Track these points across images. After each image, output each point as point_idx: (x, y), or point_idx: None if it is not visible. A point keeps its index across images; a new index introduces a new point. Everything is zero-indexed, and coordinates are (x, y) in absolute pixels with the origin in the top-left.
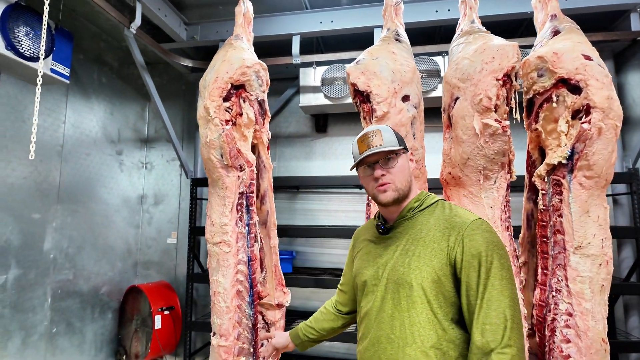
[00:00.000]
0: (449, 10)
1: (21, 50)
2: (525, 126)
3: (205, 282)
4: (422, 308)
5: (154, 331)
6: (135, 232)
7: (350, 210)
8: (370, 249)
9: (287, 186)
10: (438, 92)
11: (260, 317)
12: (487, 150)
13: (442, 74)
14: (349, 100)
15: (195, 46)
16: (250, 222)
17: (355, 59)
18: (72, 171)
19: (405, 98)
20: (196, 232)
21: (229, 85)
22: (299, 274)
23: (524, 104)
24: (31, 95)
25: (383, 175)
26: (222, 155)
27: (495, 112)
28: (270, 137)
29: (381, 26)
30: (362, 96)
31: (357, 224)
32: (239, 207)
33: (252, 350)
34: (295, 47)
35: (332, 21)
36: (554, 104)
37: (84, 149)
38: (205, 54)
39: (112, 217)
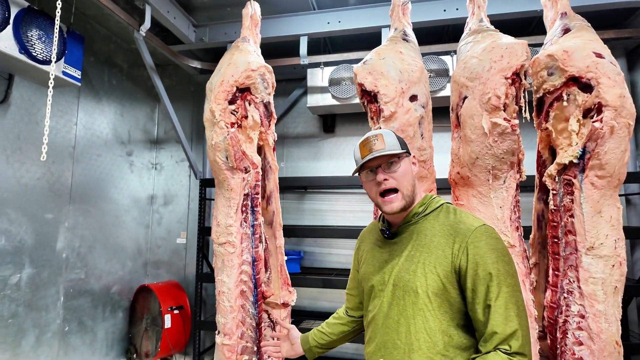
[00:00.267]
0: (457, 9)
1: (34, 54)
2: (535, 125)
3: (214, 282)
4: (428, 315)
5: (163, 330)
6: (145, 232)
7: (357, 210)
8: (375, 254)
9: (295, 186)
10: (446, 92)
11: (266, 316)
12: (496, 149)
13: (451, 73)
14: (357, 100)
15: (203, 48)
16: (255, 223)
17: (362, 59)
18: (84, 172)
19: (413, 98)
20: (205, 232)
21: (235, 89)
22: (306, 274)
23: (534, 103)
24: (44, 97)
25: (386, 179)
26: (227, 158)
27: (504, 111)
28: (276, 139)
29: (389, 26)
30: (370, 96)
31: (364, 224)
32: (244, 209)
33: (255, 349)
34: (303, 48)
35: (339, 21)
36: (565, 103)
37: (95, 150)
38: (214, 55)
39: (123, 217)
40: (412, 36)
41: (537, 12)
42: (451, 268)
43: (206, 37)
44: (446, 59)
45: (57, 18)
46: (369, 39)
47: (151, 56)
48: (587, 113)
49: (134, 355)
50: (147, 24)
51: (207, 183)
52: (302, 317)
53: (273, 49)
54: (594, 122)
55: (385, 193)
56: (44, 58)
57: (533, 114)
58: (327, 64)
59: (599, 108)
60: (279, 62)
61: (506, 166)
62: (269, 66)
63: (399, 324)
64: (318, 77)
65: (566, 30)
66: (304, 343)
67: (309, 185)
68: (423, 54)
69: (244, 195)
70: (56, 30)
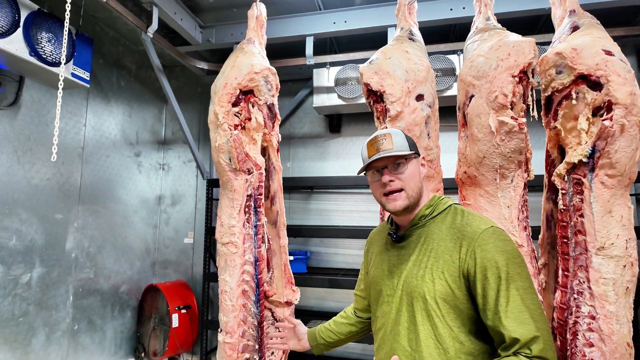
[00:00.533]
0: (463, 8)
1: (44, 56)
2: (543, 124)
3: None
4: (437, 321)
5: (171, 329)
6: (153, 232)
7: (364, 210)
8: (384, 257)
9: (301, 186)
10: (453, 91)
11: (269, 314)
12: (503, 148)
13: (457, 73)
14: (363, 100)
15: (210, 49)
16: (257, 223)
17: (368, 58)
18: (93, 172)
19: (419, 97)
20: (212, 232)
21: (238, 91)
22: (313, 274)
23: (542, 102)
24: (54, 99)
25: (391, 181)
26: (230, 160)
27: (512, 109)
28: (280, 140)
29: (395, 25)
30: (376, 96)
31: (371, 224)
32: (246, 209)
33: (257, 347)
34: (309, 48)
35: (345, 21)
36: (574, 101)
37: (104, 151)
38: (221, 56)
39: (131, 218)
40: (418, 35)
41: (545, 10)
42: (459, 273)
43: (213, 38)
44: (453, 58)
45: (67, 21)
46: (375, 39)
47: (159, 57)
48: (596, 111)
49: (142, 354)
50: (155, 25)
51: (213, 183)
52: (308, 317)
53: (279, 50)
54: (603, 120)
55: (389, 192)
56: (54, 60)
57: (541, 113)
58: (333, 64)
59: (608, 106)
60: (285, 63)
61: (514, 165)
62: (272, 68)
63: (408, 331)
64: (324, 77)
65: (575, 28)
66: (311, 339)
67: (315, 185)
68: (429, 53)
69: (247, 196)
70: (65, 33)
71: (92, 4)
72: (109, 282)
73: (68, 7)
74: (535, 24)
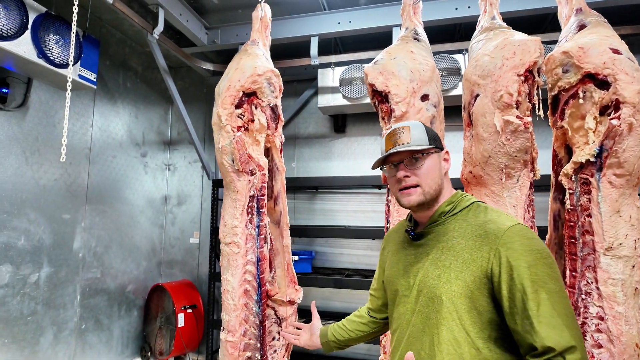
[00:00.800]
0: (469, 7)
1: (51, 58)
2: (550, 123)
3: None
4: (453, 325)
5: (177, 329)
6: (159, 232)
7: (369, 210)
8: (400, 256)
9: (306, 186)
10: (458, 91)
11: (271, 313)
12: (508, 147)
13: (463, 72)
14: (368, 100)
15: (215, 50)
16: (260, 224)
17: (373, 59)
18: (100, 173)
19: (425, 97)
20: (218, 232)
21: (241, 93)
22: (318, 274)
23: (549, 101)
24: (61, 100)
25: (407, 176)
26: (233, 161)
27: (517, 108)
28: (283, 141)
29: (400, 25)
30: (381, 96)
31: (376, 224)
32: (249, 210)
33: (258, 345)
34: (314, 49)
35: (350, 21)
36: (581, 100)
37: (111, 152)
38: (226, 57)
39: (137, 218)
40: (423, 35)
41: (552, 9)
42: (481, 274)
43: (218, 39)
44: (458, 57)
45: (74, 23)
46: (380, 39)
47: (164, 59)
48: (604, 110)
49: (149, 354)
50: (161, 27)
51: (219, 183)
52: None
53: (284, 50)
54: (611, 119)
55: (405, 188)
56: (61, 62)
57: (548, 112)
58: (337, 64)
59: (616, 105)
60: (290, 63)
61: (519, 164)
62: (275, 70)
63: (423, 333)
64: (329, 77)
65: (581, 27)
66: (322, 336)
67: (320, 185)
68: (435, 53)
69: (250, 197)
70: (73, 35)
71: (99, 6)
72: (115, 282)
73: (75, 9)
74: (542, 23)
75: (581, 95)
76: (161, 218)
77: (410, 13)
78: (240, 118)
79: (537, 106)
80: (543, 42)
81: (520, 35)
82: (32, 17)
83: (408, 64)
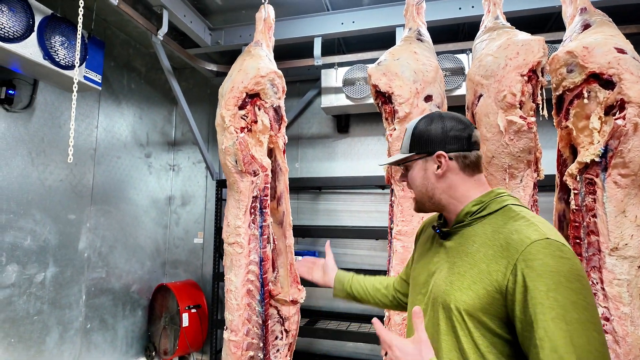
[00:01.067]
0: (472, 7)
1: (57, 60)
2: (555, 123)
3: None
4: (461, 334)
5: (181, 329)
6: (163, 232)
7: (372, 210)
8: (426, 250)
9: (310, 187)
10: (462, 91)
11: (274, 313)
12: (512, 148)
13: (466, 72)
14: (371, 100)
15: (219, 51)
16: (263, 224)
17: (376, 59)
18: (105, 173)
19: (428, 98)
20: (221, 232)
21: (244, 95)
22: None
23: (553, 101)
24: (67, 101)
25: (406, 183)
26: (236, 162)
27: (520, 108)
28: (286, 142)
29: (403, 25)
30: (384, 97)
31: (379, 224)
32: (252, 210)
33: (261, 345)
34: (317, 49)
35: (353, 22)
36: (585, 100)
37: (115, 152)
38: (230, 58)
39: (142, 218)
40: (426, 36)
41: (556, 8)
42: (494, 289)
43: (222, 40)
44: (462, 57)
45: (79, 25)
46: (383, 39)
47: (168, 60)
48: (609, 110)
49: (153, 353)
50: (165, 28)
51: (223, 184)
52: (317, 317)
53: (287, 51)
54: (616, 119)
55: None
56: (67, 63)
57: (553, 112)
58: (341, 64)
59: (621, 105)
60: (293, 64)
61: (523, 165)
62: (278, 71)
63: (431, 339)
64: (332, 77)
65: (586, 26)
66: (337, 281)
67: (324, 185)
68: (438, 53)
69: (253, 197)
70: (79, 37)
71: (104, 8)
72: (120, 282)
73: (81, 11)
74: (546, 22)
75: (586, 95)
76: (165, 218)
77: (413, 13)
78: (244, 119)
79: (541, 106)
80: (547, 42)
81: (523, 35)
82: (38, 19)
83: (411, 64)
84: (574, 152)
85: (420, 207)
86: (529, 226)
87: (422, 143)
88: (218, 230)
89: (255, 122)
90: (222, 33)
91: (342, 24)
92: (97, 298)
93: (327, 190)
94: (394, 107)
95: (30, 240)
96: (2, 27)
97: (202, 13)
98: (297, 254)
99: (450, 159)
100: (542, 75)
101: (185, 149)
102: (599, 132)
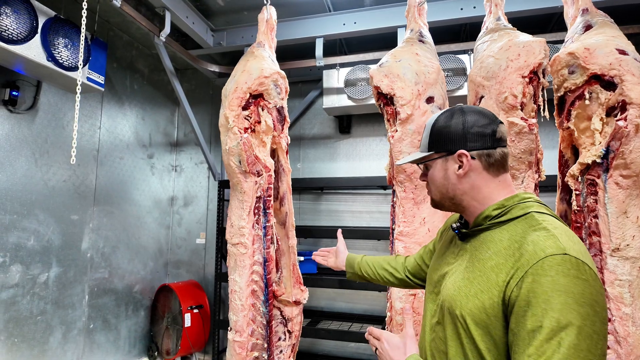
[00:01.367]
0: (474, 7)
1: (60, 61)
2: (556, 124)
3: None
4: (466, 343)
5: (183, 329)
6: (166, 233)
7: (374, 211)
8: (445, 247)
9: (312, 187)
10: (464, 91)
11: (277, 313)
12: (513, 149)
13: (468, 72)
14: (373, 101)
15: (221, 52)
16: (267, 224)
17: (378, 59)
18: (107, 174)
19: (430, 99)
20: (223, 232)
21: (248, 95)
22: (323, 275)
23: (555, 102)
24: (70, 103)
25: (426, 182)
26: (240, 162)
27: (522, 110)
28: (289, 142)
29: (404, 26)
30: (386, 99)
31: (381, 225)
32: (256, 211)
33: (266, 345)
34: (319, 50)
35: (355, 22)
36: (587, 101)
37: (118, 153)
38: (232, 59)
39: (144, 218)
40: (428, 37)
41: (558, 8)
42: (499, 299)
43: (224, 41)
44: (463, 57)
45: (83, 26)
46: (385, 40)
47: (171, 61)
48: (610, 111)
49: (156, 353)
50: (167, 29)
51: (225, 184)
52: (319, 317)
53: (289, 51)
54: (617, 120)
55: None
56: (70, 65)
57: (554, 113)
58: (342, 65)
59: (623, 106)
60: (295, 64)
61: (524, 166)
62: (282, 72)
63: (441, 341)
64: (334, 78)
65: (588, 27)
66: (348, 265)
67: (326, 186)
68: (440, 53)
69: (257, 198)
70: (82, 39)
71: (107, 9)
72: (123, 282)
73: (84, 13)
74: (548, 23)
75: (587, 96)
76: (168, 219)
77: (415, 14)
78: (247, 120)
79: (542, 107)
80: (549, 42)
81: (525, 37)
82: (41, 21)
83: (413, 66)
84: (576, 153)
85: (438, 206)
86: (548, 238)
87: (442, 141)
88: (220, 230)
89: (259, 122)
90: (224, 34)
91: (344, 24)
92: (100, 298)
93: (328, 191)
94: (395, 108)
95: (34, 241)
96: (6, 29)
97: (204, 14)
98: (298, 254)
99: (472, 158)
100: (544, 77)
101: (187, 150)
102: (600, 133)
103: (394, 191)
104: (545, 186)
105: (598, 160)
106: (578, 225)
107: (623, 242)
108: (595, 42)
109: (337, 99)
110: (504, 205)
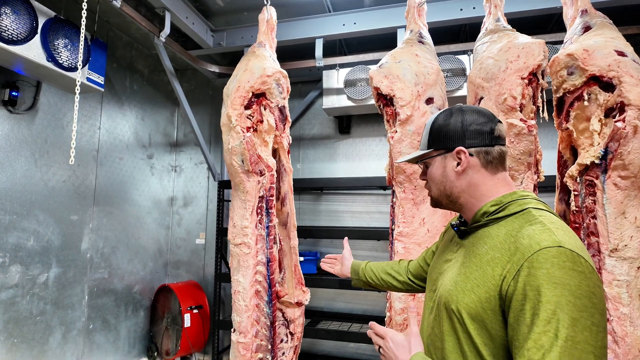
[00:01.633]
0: (474, 8)
1: (60, 62)
2: (555, 125)
3: None
4: (462, 338)
5: (183, 329)
6: (165, 233)
7: (374, 211)
8: (445, 246)
9: (311, 187)
10: (463, 91)
11: (280, 315)
12: (512, 150)
13: (468, 73)
14: (372, 101)
15: (221, 52)
16: (269, 224)
17: (378, 60)
18: (107, 174)
19: (429, 100)
20: (223, 233)
21: (250, 94)
22: (323, 275)
23: (554, 103)
24: (69, 103)
25: (425, 181)
26: (243, 161)
27: (521, 111)
28: (290, 142)
29: (404, 27)
30: (386, 100)
31: (381, 225)
32: (259, 211)
33: (269, 347)
34: (319, 50)
35: (354, 23)
36: (586, 103)
37: (118, 154)
38: (232, 59)
39: (144, 219)
40: (428, 38)
41: (557, 9)
42: (496, 293)
43: (224, 42)
44: (463, 58)
45: (83, 27)
46: (385, 40)
47: (171, 61)
48: (609, 112)
49: (155, 354)
50: (167, 30)
51: (225, 185)
52: (319, 317)
53: (289, 52)
54: (616, 121)
55: None
56: (70, 65)
57: (553, 114)
58: (342, 65)
59: (621, 107)
60: (295, 65)
61: (523, 167)
62: (284, 71)
63: (437, 337)
64: (333, 78)
65: (587, 28)
66: (353, 272)
67: (325, 186)
68: (439, 54)
69: (259, 197)
70: (81, 39)
71: (107, 10)
72: (122, 282)
73: (84, 13)
74: (547, 23)
75: (586, 97)
76: (167, 219)
77: (414, 15)
78: (250, 119)
79: (541, 108)
80: (549, 43)
81: (524, 38)
82: (41, 21)
83: (413, 67)
84: (575, 154)
85: (437, 204)
86: (543, 232)
87: (441, 138)
88: (220, 231)
89: (261, 121)
90: (223, 34)
91: (344, 25)
92: (99, 298)
93: (328, 191)
94: (395, 109)
95: (34, 241)
96: (6, 29)
97: (204, 15)
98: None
99: (470, 155)
100: (543, 78)
101: (187, 150)
102: (599, 134)
103: (393, 192)
104: (544, 187)
105: (596, 161)
106: (577, 225)
107: (621, 242)
108: (594, 43)
109: (337, 100)
110: (501, 202)
